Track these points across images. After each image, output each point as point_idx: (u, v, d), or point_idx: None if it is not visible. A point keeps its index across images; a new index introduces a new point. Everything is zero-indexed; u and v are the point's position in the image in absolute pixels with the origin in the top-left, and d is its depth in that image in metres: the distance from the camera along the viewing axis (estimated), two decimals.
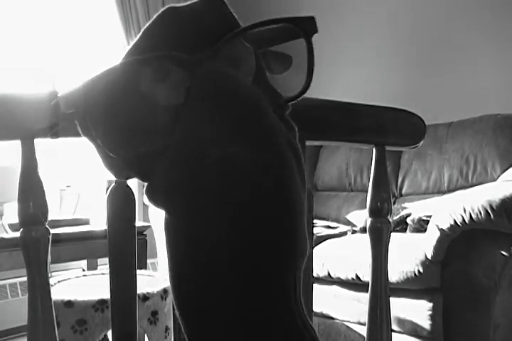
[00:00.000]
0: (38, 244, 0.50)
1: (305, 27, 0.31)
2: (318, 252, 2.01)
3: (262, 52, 0.33)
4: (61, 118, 0.38)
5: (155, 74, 0.29)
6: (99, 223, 2.19)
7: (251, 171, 0.27)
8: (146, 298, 1.54)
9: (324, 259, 1.98)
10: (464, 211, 1.64)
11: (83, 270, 2.50)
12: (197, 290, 0.27)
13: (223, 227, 0.27)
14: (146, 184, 0.29)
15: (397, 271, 1.72)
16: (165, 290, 1.61)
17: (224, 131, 0.28)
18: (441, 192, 2.45)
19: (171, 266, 0.28)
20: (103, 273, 1.87)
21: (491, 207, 1.60)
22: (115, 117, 0.29)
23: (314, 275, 1.98)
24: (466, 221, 1.63)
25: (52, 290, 0.51)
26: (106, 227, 0.52)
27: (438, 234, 1.69)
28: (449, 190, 2.39)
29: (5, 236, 1.84)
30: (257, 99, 0.30)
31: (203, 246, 0.27)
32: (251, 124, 0.28)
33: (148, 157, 0.29)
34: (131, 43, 0.33)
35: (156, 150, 0.29)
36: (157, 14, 0.33)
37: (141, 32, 0.33)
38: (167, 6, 0.33)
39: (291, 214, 0.28)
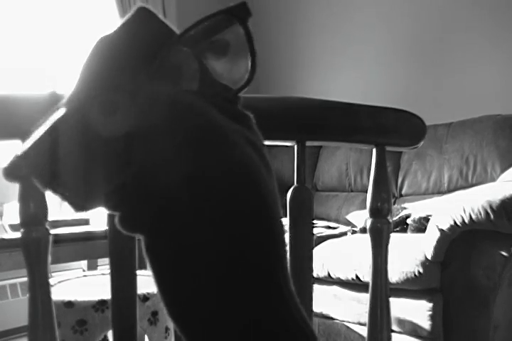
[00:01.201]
0: (39, 244, 0.50)
1: (238, 13, 0.31)
2: (318, 252, 2.01)
3: (200, 49, 0.32)
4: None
5: (103, 110, 0.29)
6: (99, 223, 2.19)
7: (220, 181, 0.28)
8: (146, 298, 1.54)
9: (324, 259, 1.98)
10: (464, 211, 1.64)
11: (83, 270, 2.50)
12: (191, 306, 0.27)
13: (206, 240, 0.27)
14: (117, 214, 0.29)
15: (397, 272, 1.72)
16: None
17: (180, 149, 0.28)
18: (441, 192, 2.45)
19: (161, 287, 0.28)
20: (103, 274, 1.87)
21: (490, 207, 1.60)
22: (75, 168, 0.29)
23: (314, 275, 1.98)
24: (466, 221, 1.63)
25: (53, 290, 0.51)
26: (106, 227, 0.52)
27: (438, 234, 1.69)
28: (449, 191, 2.39)
29: (5, 236, 1.84)
30: (204, 109, 0.30)
31: (189, 261, 0.27)
32: (204, 136, 0.29)
33: (112, 191, 0.29)
34: (73, 86, 0.32)
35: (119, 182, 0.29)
36: (91, 49, 0.33)
37: (80, 71, 0.32)
38: (99, 38, 0.33)
39: (269, 214, 0.29)
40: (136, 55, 0.32)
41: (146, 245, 0.28)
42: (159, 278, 0.28)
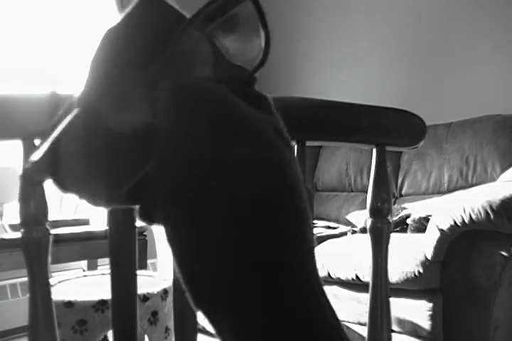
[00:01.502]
0: (39, 244, 0.50)
1: None
2: (318, 252, 2.00)
3: (211, 29, 0.31)
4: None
5: (117, 105, 0.28)
6: (99, 223, 2.19)
7: (246, 170, 0.27)
8: (146, 298, 1.54)
9: (324, 259, 1.98)
10: (464, 211, 1.64)
11: (83, 270, 2.50)
12: (217, 296, 0.27)
13: (233, 228, 0.27)
14: (137, 206, 0.29)
15: (397, 272, 1.72)
16: (165, 291, 1.61)
17: (206, 137, 0.28)
18: (441, 192, 2.45)
19: (185, 277, 0.28)
20: (103, 274, 1.87)
21: (490, 207, 1.60)
22: (91, 166, 0.29)
23: None
24: (466, 221, 1.63)
25: (53, 290, 0.51)
26: (106, 227, 0.52)
27: (438, 234, 1.69)
28: (449, 191, 2.39)
29: (5, 236, 1.85)
30: (225, 95, 0.29)
31: (214, 251, 0.27)
32: (229, 125, 0.28)
33: (132, 186, 0.29)
34: (83, 83, 0.31)
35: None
36: (99, 42, 0.32)
37: (89, 67, 0.31)
38: (106, 30, 0.32)
39: (299, 204, 0.28)
40: (145, 45, 0.31)
41: (168, 235, 0.28)
42: (183, 268, 0.28)
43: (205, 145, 0.27)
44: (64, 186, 0.29)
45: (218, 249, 0.27)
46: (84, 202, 0.30)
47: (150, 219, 0.29)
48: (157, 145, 0.28)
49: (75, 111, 0.30)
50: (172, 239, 0.28)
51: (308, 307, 0.27)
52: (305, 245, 0.28)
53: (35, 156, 0.29)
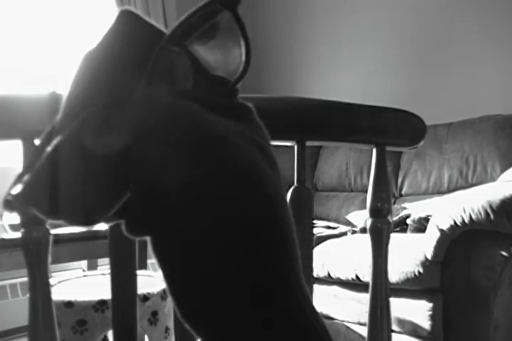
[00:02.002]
0: (39, 244, 0.50)
1: (226, 2, 0.30)
2: (318, 252, 2.01)
3: (191, 42, 0.31)
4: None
5: (97, 129, 0.29)
6: (99, 223, 2.19)
7: (221, 182, 0.28)
8: (146, 298, 1.54)
9: (324, 259, 1.98)
10: (464, 211, 1.64)
11: (83, 270, 2.50)
12: (203, 303, 0.27)
13: (212, 239, 0.27)
14: (123, 222, 0.30)
15: (397, 272, 1.72)
16: (165, 291, 1.60)
17: (179, 154, 0.28)
18: (441, 192, 2.45)
19: (171, 287, 0.28)
20: (103, 274, 1.87)
21: (490, 207, 1.60)
22: (76, 195, 0.29)
23: (314, 275, 1.98)
24: (466, 221, 1.63)
25: (53, 290, 0.51)
26: (106, 227, 0.52)
27: (438, 234, 1.69)
28: (449, 191, 2.39)
29: (5, 236, 1.84)
30: (200, 114, 0.29)
31: (197, 260, 0.27)
32: (202, 141, 0.28)
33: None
34: (64, 106, 0.31)
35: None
36: (78, 65, 0.31)
37: (69, 89, 0.31)
38: (85, 53, 0.31)
39: (275, 214, 0.29)
40: (124, 67, 0.31)
41: (153, 245, 0.28)
42: (168, 278, 0.28)
43: (180, 161, 0.28)
44: (46, 214, 0.29)
45: (200, 263, 0.27)
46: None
47: (136, 233, 0.29)
48: (136, 161, 0.28)
49: (57, 140, 0.29)
50: (153, 249, 0.28)
51: (297, 323, 0.27)
52: (289, 260, 0.28)
53: (17, 189, 0.29)
